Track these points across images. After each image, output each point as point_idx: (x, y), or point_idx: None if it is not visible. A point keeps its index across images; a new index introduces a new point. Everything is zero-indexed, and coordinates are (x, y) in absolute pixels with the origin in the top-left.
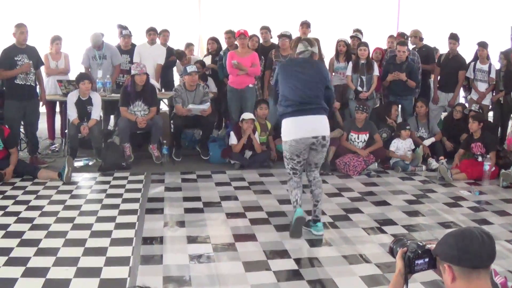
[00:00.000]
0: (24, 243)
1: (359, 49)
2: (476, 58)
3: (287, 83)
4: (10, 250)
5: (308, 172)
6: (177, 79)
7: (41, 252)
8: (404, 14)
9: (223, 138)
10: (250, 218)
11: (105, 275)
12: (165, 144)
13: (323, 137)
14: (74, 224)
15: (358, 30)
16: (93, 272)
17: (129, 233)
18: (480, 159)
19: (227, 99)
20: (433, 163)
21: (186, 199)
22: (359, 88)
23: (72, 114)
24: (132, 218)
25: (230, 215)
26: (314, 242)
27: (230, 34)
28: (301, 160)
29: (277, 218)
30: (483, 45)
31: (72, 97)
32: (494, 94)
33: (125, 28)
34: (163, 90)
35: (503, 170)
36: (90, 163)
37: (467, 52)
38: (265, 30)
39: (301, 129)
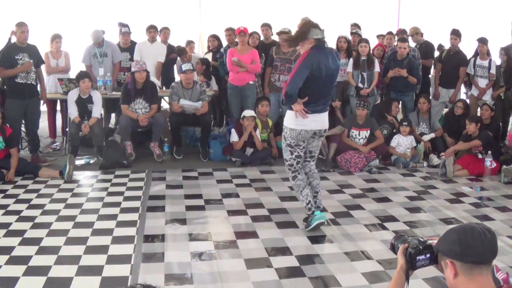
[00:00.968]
0: (26, 242)
1: (360, 46)
2: (476, 54)
3: (316, 81)
4: (11, 248)
5: (303, 163)
6: (178, 77)
7: (43, 251)
8: (405, 11)
9: (224, 136)
10: (252, 215)
11: (107, 273)
12: (166, 141)
13: (325, 130)
14: (76, 222)
15: (355, 25)
16: (95, 270)
17: (131, 231)
18: (480, 156)
19: (227, 96)
20: (434, 159)
21: (187, 196)
22: (360, 85)
23: (73, 112)
24: (134, 216)
25: (232, 213)
26: (316, 239)
27: (230, 31)
28: (304, 146)
29: (279, 215)
30: (483, 41)
31: (73, 96)
32: (494, 90)
33: (125, 25)
34: (164, 88)
35: (504, 166)
36: (91, 161)
37: (467, 48)
38: (266, 27)
39: (314, 122)
